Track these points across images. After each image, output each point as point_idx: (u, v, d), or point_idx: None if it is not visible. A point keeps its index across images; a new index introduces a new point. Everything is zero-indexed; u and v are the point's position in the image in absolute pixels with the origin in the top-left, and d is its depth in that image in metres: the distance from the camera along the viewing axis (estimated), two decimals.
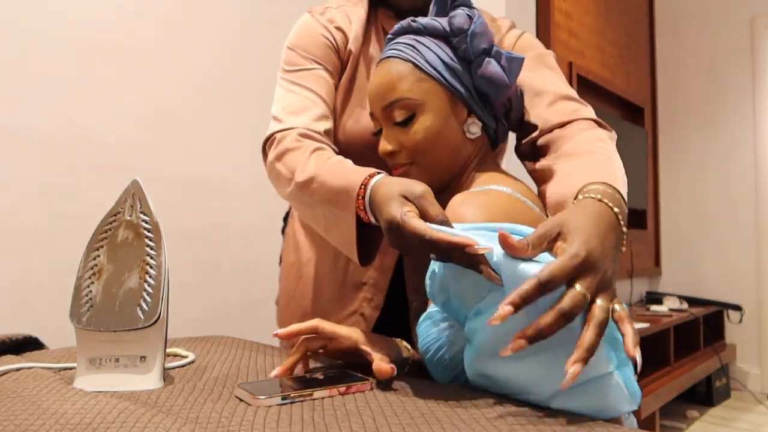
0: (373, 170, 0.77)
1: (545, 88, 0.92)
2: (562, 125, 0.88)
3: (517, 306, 0.55)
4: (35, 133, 1.45)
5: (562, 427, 0.54)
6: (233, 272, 2.00)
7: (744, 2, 3.48)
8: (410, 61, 0.81)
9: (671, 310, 3.08)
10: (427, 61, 0.80)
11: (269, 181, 0.95)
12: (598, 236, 0.60)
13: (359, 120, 0.96)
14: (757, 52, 3.43)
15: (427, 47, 0.81)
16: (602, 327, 0.56)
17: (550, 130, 0.88)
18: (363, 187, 0.75)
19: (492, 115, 0.84)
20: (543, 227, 0.61)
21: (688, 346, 3.04)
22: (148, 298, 0.67)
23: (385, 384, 0.71)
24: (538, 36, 2.54)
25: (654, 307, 3.11)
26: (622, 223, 0.64)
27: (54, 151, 1.48)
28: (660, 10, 3.80)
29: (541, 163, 0.85)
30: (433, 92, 0.80)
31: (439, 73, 0.80)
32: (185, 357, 0.85)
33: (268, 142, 0.94)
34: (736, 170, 3.48)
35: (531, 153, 0.92)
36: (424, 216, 0.67)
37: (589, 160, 0.77)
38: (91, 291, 0.68)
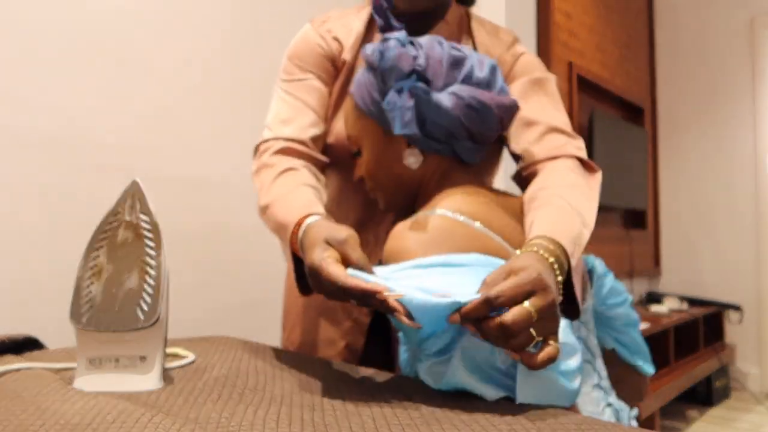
0: (311, 210, 0.79)
1: (536, 119, 0.92)
2: (544, 161, 0.89)
3: (464, 320, 0.59)
4: (35, 133, 1.45)
5: (562, 427, 0.54)
6: (233, 272, 2.00)
7: (744, 2, 3.48)
8: (353, 98, 0.85)
9: (671, 310, 3.08)
10: (361, 98, 0.83)
11: None
12: (545, 269, 0.63)
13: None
14: (757, 52, 3.43)
15: (364, 83, 0.83)
16: (549, 363, 0.59)
17: (534, 164, 0.90)
18: (297, 226, 0.77)
19: (435, 138, 0.81)
20: (490, 277, 0.62)
21: (688, 347, 3.04)
22: (148, 299, 0.67)
23: (385, 384, 0.71)
24: (537, 36, 2.54)
25: (654, 308, 3.11)
26: (557, 272, 0.66)
27: (54, 151, 1.48)
28: (660, 10, 3.80)
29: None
30: (369, 128, 0.84)
31: (371, 110, 0.82)
32: (185, 357, 0.85)
33: (256, 150, 0.99)
34: (736, 170, 3.48)
35: (520, 184, 0.94)
36: (346, 261, 0.68)
37: (546, 212, 0.76)
38: (91, 291, 0.68)
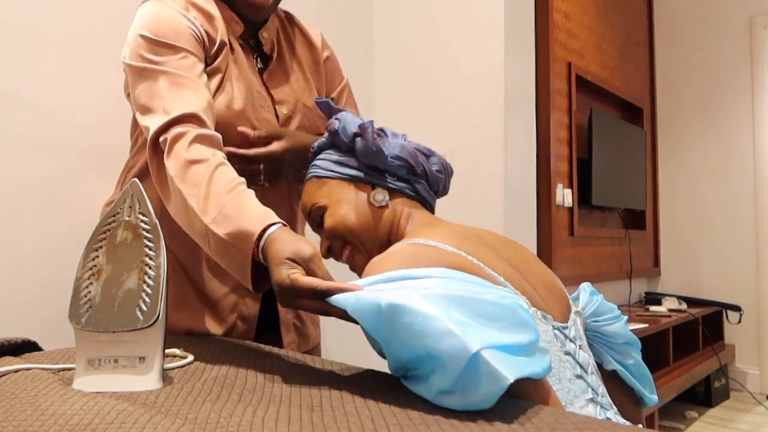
0: (268, 221, 0.79)
1: None
2: None
3: None
4: (35, 133, 1.45)
5: (561, 426, 0.54)
6: None
7: (743, 2, 3.48)
8: (311, 176, 0.96)
9: (670, 310, 3.08)
10: (321, 169, 0.95)
11: (157, 180, 0.90)
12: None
13: (230, 105, 1.00)
14: (756, 52, 3.44)
15: (320, 159, 0.97)
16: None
17: None
18: (258, 238, 0.78)
19: (398, 179, 0.94)
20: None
21: (687, 347, 3.04)
22: (147, 299, 0.67)
23: (384, 385, 0.71)
24: (536, 36, 2.54)
25: (653, 308, 3.11)
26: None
27: (53, 151, 1.48)
28: (659, 11, 3.81)
29: None
30: (334, 188, 0.93)
31: (332, 170, 0.94)
32: (184, 357, 0.85)
33: (158, 139, 0.89)
34: (735, 170, 3.49)
35: None
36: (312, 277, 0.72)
37: None
38: (90, 292, 0.68)
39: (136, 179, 0.73)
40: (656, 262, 3.70)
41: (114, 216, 0.71)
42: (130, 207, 0.71)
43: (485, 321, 0.61)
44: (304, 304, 0.72)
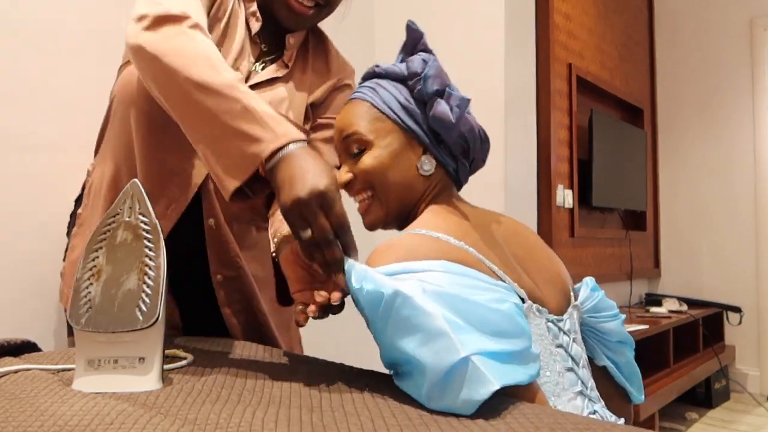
0: (297, 136, 0.74)
1: None
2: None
3: None
4: (34, 134, 1.45)
5: (560, 427, 0.54)
6: None
7: (743, 3, 3.48)
8: (368, 101, 0.88)
9: (670, 311, 3.08)
10: (383, 102, 0.87)
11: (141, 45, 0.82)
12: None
13: None
14: (756, 53, 3.44)
15: (385, 89, 0.88)
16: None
17: None
18: (293, 141, 0.72)
19: (449, 154, 0.88)
20: None
21: (687, 348, 3.04)
22: (147, 299, 0.67)
23: (384, 385, 0.71)
24: (537, 37, 2.54)
25: (653, 309, 3.11)
26: None
27: (53, 151, 1.48)
28: (659, 12, 3.81)
29: None
30: (387, 130, 0.86)
31: (394, 112, 0.86)
32: (184, 358, 0.85)
33: (157, 17, 0.82)
34: (736, 171, 3.49)
35: None
36: None
37: None
38: (90, 292, 0.68)
39: (136, 180, 0.73)
40: (656, 263, 3.70)
41: (114, 216, 0.71)
42: (130, 207, 0.71)
43: (479, 326, 0.63)
44: (321, 219, 0.68)
